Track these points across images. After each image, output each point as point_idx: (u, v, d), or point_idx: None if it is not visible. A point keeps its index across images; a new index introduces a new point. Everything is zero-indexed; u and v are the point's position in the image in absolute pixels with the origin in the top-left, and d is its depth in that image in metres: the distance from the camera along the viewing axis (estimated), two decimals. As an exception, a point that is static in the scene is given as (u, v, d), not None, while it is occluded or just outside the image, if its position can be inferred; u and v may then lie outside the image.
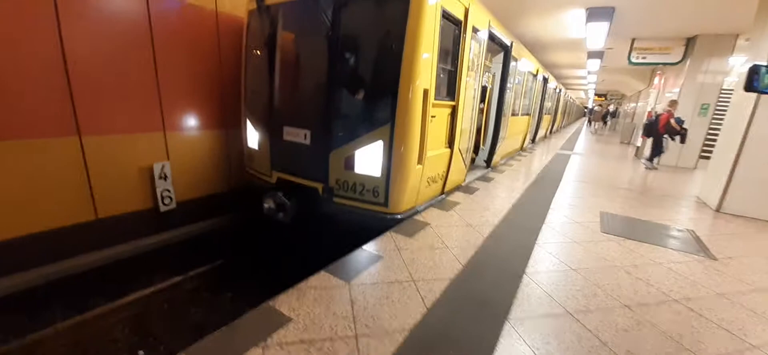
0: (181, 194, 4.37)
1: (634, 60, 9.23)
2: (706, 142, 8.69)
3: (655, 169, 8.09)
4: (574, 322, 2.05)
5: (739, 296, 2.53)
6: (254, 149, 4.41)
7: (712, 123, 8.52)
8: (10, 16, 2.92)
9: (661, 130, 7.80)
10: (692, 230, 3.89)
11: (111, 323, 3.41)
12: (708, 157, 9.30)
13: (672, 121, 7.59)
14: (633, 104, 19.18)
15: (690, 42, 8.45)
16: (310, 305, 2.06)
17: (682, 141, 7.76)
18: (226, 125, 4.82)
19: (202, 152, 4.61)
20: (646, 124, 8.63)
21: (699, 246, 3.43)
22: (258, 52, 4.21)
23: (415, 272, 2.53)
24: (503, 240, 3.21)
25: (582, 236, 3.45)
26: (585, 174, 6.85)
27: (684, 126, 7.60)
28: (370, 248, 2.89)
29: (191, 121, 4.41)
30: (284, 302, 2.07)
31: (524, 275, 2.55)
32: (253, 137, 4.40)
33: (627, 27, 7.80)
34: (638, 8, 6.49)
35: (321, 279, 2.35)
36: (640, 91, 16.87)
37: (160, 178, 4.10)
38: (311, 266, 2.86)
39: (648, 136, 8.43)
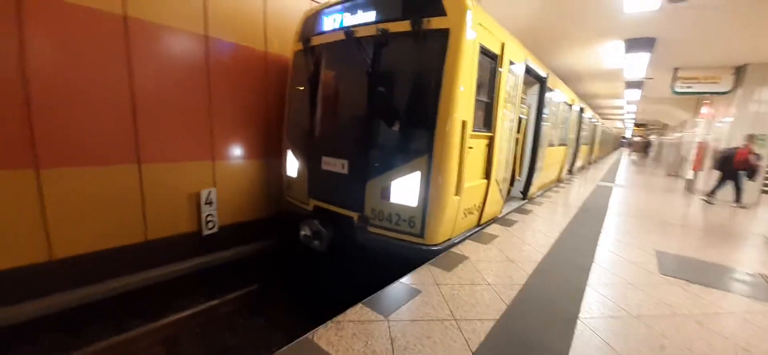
0: (223, 219, 4.56)
1: (678, 89, 8.79)
2: (769, 177, 7.91)
3: (712, 204, 7.41)
4: (642, 378, 1.83)
5: (840, 357, 2.16)
6: (293, 178, 4.55)
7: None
8: (89, 59, 3.30)
9: (738, 166, 7.04)
10: (764, 275, 3.45)
11: (146, 344, 3.49)
12: (773, 193, 8.47)
13: (751, 157, 6.90)
14: (677, 134, 18.05)
15: (740, 71, 7.94)
16: (348, 341, 2.00)
17: (752, 178, 7.04)
18: (268, 155, 5.06)
19: (245, 180, 4.84)
20: (720, 157, 7.82)
21: (779, 295, 3.02)
22: (301, 87, 4.46)
23: (457, 309, 2.40)
24: (550, 278, 3.00)
25: (639, 277, 3.16)
26: (632, 208, 6.39)
27: (760, 162, 6.91)
28: (407, 281, 2.81)
29: (237, 151, 4.68)
30: (322, 336, 2.02)
31: (578, 320, 2.34)
32: (292, 166, 4.56)
33: (669, 57, 7.51)
34: (681, 38, 6.26)
35: (359, 312, 2.30)
36: (685, 121, 15.89)
37: (206, 203, 4.31)
38: (346, 296, 2.82)
39: (720, 170, 7.61)
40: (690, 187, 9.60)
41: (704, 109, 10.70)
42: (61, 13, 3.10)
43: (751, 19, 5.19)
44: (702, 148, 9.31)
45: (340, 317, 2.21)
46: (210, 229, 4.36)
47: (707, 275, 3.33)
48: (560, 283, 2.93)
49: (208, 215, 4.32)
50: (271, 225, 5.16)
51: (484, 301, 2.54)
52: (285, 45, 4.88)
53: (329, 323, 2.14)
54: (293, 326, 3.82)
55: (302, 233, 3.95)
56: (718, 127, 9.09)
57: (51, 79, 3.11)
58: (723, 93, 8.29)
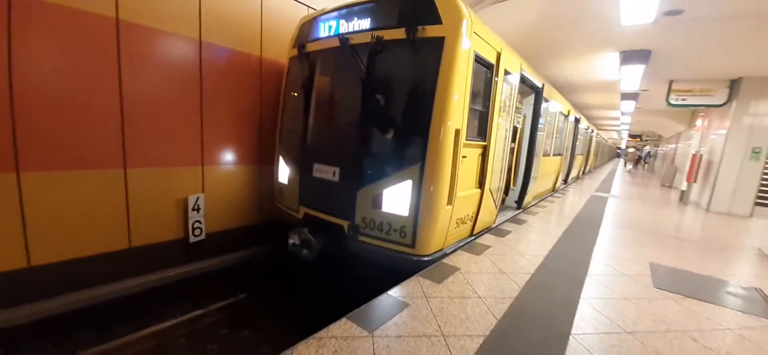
0: (211, 226, 4.46)
1: (673, 102, 8.84)
2: (762, 188, 7.92)
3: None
4: (636, 400, 1.76)
5: (839, 378, 2.10)
6: (284, 184, 4.47)
7: (767, 167, 7.81)
8: (78, 62, 3.23)
9: None
10: (760, 289, 3.41)
11: (131, 353, 3.37)
12: (764, 205, 8.51)
13: None
14: (672, 146, 18.19)
15: (734, 84, 8.01)
16: (331, 357, 1.91)
17: None
18: (259, 161, 4.97)
19: (235, 186, 4.74)
20: None
21: (774, 310, 2.97)
22: (295, 93, 4.41)
23: (445, 324, 2.32)
24: (543, 292, 2.93)
25: (633, 291, 3.10)
26: (627, 220, 6.36)
27: None
28: (395, 293, 2.73)
29: (228, 156, 4.59)
30: (303, 352, 1.93)
31: (571, 337, 2.27)
32: (284, 173, 4.48)
33: (664, 69, 7.55)
34: (676, 51, 6.29)
35: (342, 327, 2.21)
36: (679, 133, 16.01)
37: (194, 209, 4.21)
38: (333, 307, 2.73)
39: None
40: (684, 198, 9.62)
41: (699, 122, 10.77)
42: (46, 13, 3.02)
43: (745, 34, 5.22)
44: (696, 160, 9.34)
45: (322, 333, 2.12)
46: (197, 236, 4.25)
47: (702, 289, 3.28)
48: (553, 296, 2.86)
49: (195, 222, 4.21)
50: (261, 232, 5.06)
51: (474, 316, 2.47)
52: (280, 50, 4.83)
53: (310, 339, 2.05)
54: (280, 337, 3.71)
55: (291, 241, 3.85)
56: (713, 139, 9.14)
57: (35, 80, 3.02)
58: (718, 106, 8.34)
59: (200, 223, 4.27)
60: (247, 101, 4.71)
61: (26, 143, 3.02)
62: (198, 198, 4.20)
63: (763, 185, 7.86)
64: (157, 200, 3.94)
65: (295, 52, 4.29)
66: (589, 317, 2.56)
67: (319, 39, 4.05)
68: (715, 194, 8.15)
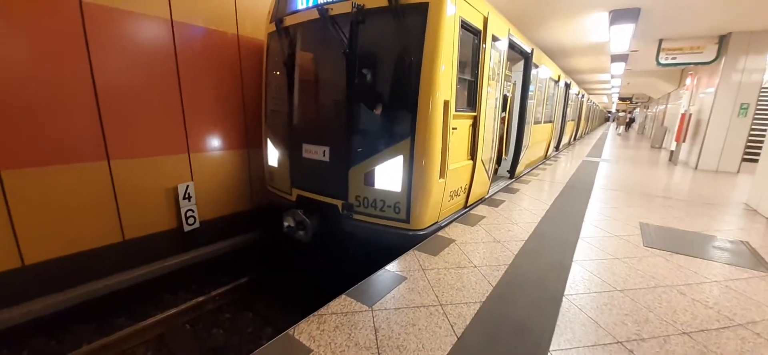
0: (204, 214, 4.42)
1: (662, 61, 8.79)
2: (749, 144, 8.07)
3: None
4: (627, 353, 1.82)
5: (818, 319, 2.20)
6: (275, 167, 4.41)
7: (754, 123, 7.92)
8: (44, 50, 3.06)
9: None
10: (746, 242, 3.51)
11: (135, 344, 3.40)
12: (751, 160, 8.70)
13: None
14: (661, 107, 18.30)
15: (723, 40, 7.96)
16: (331, 334, 1.93)
17: None
18: (248, 145, 4.88)
19: (224, 172, 4.67)
20: None
21: (757, 260, 3.07)
22: (277, 72, 4.26)
23: (442, 294, 2.36)
24: (536, 257, 2.99)
25: (623, 251, 3.17)
26: (617, 182, 6.45)
27: None
28: (392, 268, 2.75)
29: (214, 142, 4.49)
30: (304, 331, 1.95)
31: (564, 298, 2.33)
32: (273, 156, 4.40)
33: (654, 27, 7.45)
34: (666, 7, 6.17)
35: (342, 304, 2.23)
36: (669, 93, 16.08)
37: (185, 198, 4.15)
38: (332, 286, 2.76)
39: None
40: (673, 158, 9.76)
41: (688, 81, 10.78)
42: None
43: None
44: (685, 119, 9.42)
45: (322, 310, 2.14)
46: (191, 225, 4.22)
47: (690, 245, 3.37)
48: (546, 261, 2.91)
49: (187, 211, 4.17)
50: (256, 217, 5.04)
51: (470, 284, 2.51)
52: (258, 27, 4.64)
53: (311, 317, 2.07)
54: (281, 318, 3.77)
55: (285, 224, 3.84)
56: (702, 98, 9.18)
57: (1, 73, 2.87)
58: (707, 63, 8.32)
59: (193, 211, 4.22)
60: (228, 83, 4.56)
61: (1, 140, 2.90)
62: (188, 186, 4.14)
63: (750, 141, 7.99)
64: (145, 190, 3.87)
65: (273, 27, 4.11)
66: (581, 279, 2.62)
67: (297, 11, 3.86)
68: (703, 152, 8.28)
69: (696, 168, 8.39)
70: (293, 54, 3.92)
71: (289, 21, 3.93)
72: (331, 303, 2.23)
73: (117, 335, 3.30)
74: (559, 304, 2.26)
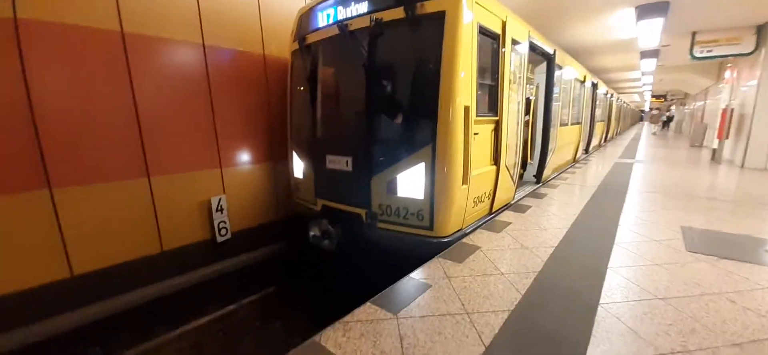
0: (235, 225, 4.61)
1: (697, 54, 8.31)
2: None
3: None
4: (671, 364, 1.71)
5: None
6: (300, 179, 4.54)
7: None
8: (91, 78, 3.34)
9: None
10: (806, 245, 3.21)
11: (173, 351, 3.56)
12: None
13: None
14: (699, 103, 17.18)
15: (761, 29, 7.42)
16: (356, 341, 1.95)
17: None
18: (275, 158, 5.07)
19: (253, 184, 4.86)
20: None
21: (821, 265, 2.79)
22: (301, 87, 4.43)
23: (468, 302, 2.32)
24: (567, 264, 2.87)
25: (664, 256, 2.98)
26: (655, 184, 6.09)
27: None
28: (417, 275, 2.74)
29: (244, 157, 4.70)
30: (329, 338, 1.98)
31: (599, 307, 2.22)
32: (298, 168, 4.54)
33: (685, 20, 7.09)
34: (697, -1, 5.88)
35: (367, 311, 2.24)
36: (707, 88, 15.09)
37: (217, 211, 4.35)
38: (358, 294, 2.77)
39: None
40: (716, 156, 9.10)
41: (727, 74, 10.09)
42: (60, 34, 3.14)
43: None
44: (727, 114, 8.79)
45: (347, 318, 2.16)
46: (223, 235, 4.40)
47: (739, 249, 3.12)
48: (578, 268, 2.79)
49: (220, 222, 4.36)
50: (281, 228, 5.18)
51: (497, 292, 2.45)
52: (282, 46, 4.85)
53: (337, 324, 2.10)
54: (308, 326, 3.82)
55: (311, 233, 3.93)
56: (744, 91, 8.56)
57: (51, 101, 3.15)
58: (746, 55, 7.78)
59: (225, 223, 4.41)
60: (256, 100, 4.78)
61: (53, 161, 3.18)
62: (220, 199, 4.33)
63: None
64: (181, 204, 4.09)
65: (296, 45, 4.29)
66: (617, 286, 2.49)
67: (318, 29, 4.02)
68: (749, 150, 7.68)
69: (742, 166, 7.78)
70: (315, 69, 4.07)
71: (311, 39, 4.09)
72: (356, 311, 2.24)
73: (155, 342, 3.48)
74: (594, 313, 2.16)
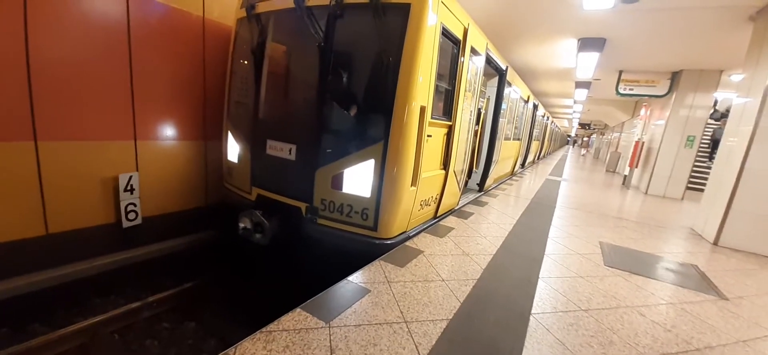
0: (149, 209, 3.96)
1: (622, 91, 9.40)
2: (693, 174, 8.81)
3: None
4: (594, 378, 1.76)
5: (760, 342, 2.30)
6: (234, 163, 4.06)
7: (697, 154, 8.67)
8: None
9: None
10: (695, 265, 3.70)
11: (54, 354, 2.90)
12: (695, 189, 9.46)
13: None
14: (616, 134, 19.69)
15: (675, 76, 8.67)
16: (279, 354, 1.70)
17: None
18: (207, 137, 4.48)
19: (177, 164, 4.23)
20: None
21: (707, 284, 3.22)
22: (245, 61, 3.95)
23: (408, 310, 2.20)
24: (504, 272, 2.92)
25: (586, 269, 3.20)
26: (578, 202, 6.71)
27: None
28: (356, 279, 2.55)
29: (167, 131, 4.05)
30: (248, 350, 1.70)
31: (531, 317, 2.25)
32: (233, 150, 4.05)
33: (616, 59, 7.94)
34: (628, 40, 6.58)
35: (295, 319, 2.00)
36: (623, 122, 17.33)
37: (126, 190, 3.69)
38: (288, 295, 2.51)
39: None
40: (626, 182, 10.43)
41: (642, 111, 11.64)
42: None
43: (688, 28, 5.55)
44: (638, 146, 10.11)
45: (271, 326, 1.89)
46: (131, 220, 3.75)
47: (646, 266, 3.48)
48: (514, 277, 2.85)
49: (128, 204, 3.70)
50: (209, 216, 4.62)
51: (437, 299, 2.37)
52: (227, 11, 4.30)
53: (257, 334, 1.82)
54: (229, 328, 3.41)
55: (241, 225, 3.51)
56: (653, 128, 9.92)
57: None
58: (660, 96, 9.02)
59: (135, 205, 3.76)
60: (189, 68, 4.16)
61: None
62: (131, 177, 3.68)
63: (693, 171, 8.71)
64: (78, 178, 3.38)
65: (243, 13, 3.82)
66: (547, 296, 2.57)
67: None
68: (653, 178, 8.90)
69: (646, 193, 8.99)
70: (264, 43, 3.65)
71: (261, 8, 3.66)
72: (283, 318, 1.98)
73: (26, 345, 2.80)
74: (527, 323, 2.18)
